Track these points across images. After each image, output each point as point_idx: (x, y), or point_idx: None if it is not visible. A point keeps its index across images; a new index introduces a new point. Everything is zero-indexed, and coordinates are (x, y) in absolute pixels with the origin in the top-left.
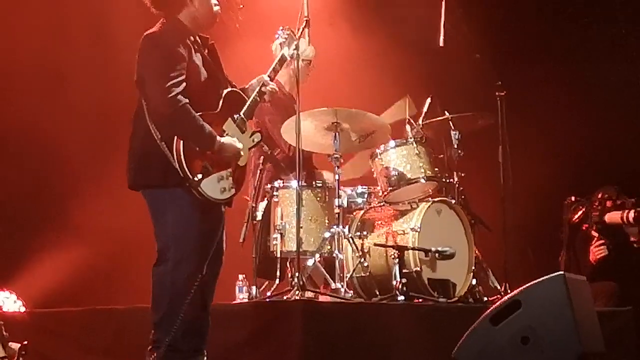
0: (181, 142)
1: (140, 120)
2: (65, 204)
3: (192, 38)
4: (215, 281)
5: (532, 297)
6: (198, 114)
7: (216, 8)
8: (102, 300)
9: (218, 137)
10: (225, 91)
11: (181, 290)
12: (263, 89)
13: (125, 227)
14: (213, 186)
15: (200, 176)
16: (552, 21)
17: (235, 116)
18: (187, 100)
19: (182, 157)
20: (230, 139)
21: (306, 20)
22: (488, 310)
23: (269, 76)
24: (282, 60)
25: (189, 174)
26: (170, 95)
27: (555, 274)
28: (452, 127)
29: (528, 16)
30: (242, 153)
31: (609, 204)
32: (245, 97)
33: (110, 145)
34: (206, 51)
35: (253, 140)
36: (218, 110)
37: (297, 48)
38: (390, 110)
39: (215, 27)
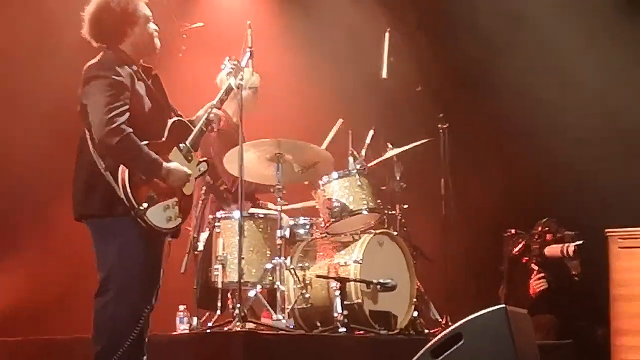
0: (126, 171)
1: (84, 151)
2: (10, 229)
3: (134, 67)
4: (149, 314)
5: (473, 330)
6: (143, 142)
7: (156, 36)
8: (43, 330)
9: (165, 163)
10: (170, 121)
11: (123, 321)
12: (210, 116)
13: (70, 256)
14: (159, 215)
15: (145, 205)
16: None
17: (181, 145)
18: (130, 130)
19: (128, 186)
20: (177, 166)
21: (250, 50)
22: (429, 343)
23: (215, 106)
24: (229, 90)
25: (134, 202)
26: (113, 126)
27: (497, 307)
28: (395, 161)
29: (471, 48)
30: (188, 180)
31: (549, 237)
32: (192, 127)
33: (60, 175)
34: (150, 81)
35: (199, 170)
36: (164, 139)
37: (242, 78)
38: (328, 138)
39: (159, 56)
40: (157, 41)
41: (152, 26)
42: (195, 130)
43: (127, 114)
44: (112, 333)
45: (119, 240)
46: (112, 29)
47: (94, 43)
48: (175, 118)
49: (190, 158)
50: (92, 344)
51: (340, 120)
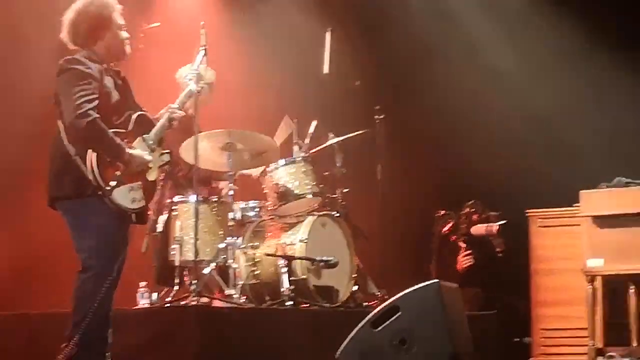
0: (94, 154)
1: (57, 140)
2: None
3: (105, 65)
4: (114, 288)
5: (409, 303)
6: (111, 130)
7: (127, 41)
8: (17, 305)
9: (127, 149)
10: (135, 114)
11: (97, 293)
12: (172, 115)
13: (44, 235)
14: (124, 196)
15: (113, 183)
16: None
17: (145, 136)
18: (97, 115)
19: (96, 167)
20: (140, 152)
21: (204, 48)
22: (369, 315)
23: (177, 107)
24: (189, 94)
25: (101, 182)
26: (82, 111)
27: (431, 281)
28: (336, 149)
29: (405, 46)
30: (150, 166)
31: (475, 217)
32: (154, 121)
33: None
34: (117, 78)
35: (163, 160)
36: (129, 129)
37: (198, 81)
38: (278, 132)
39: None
40: (127, 48)
41: (124, 34)
42: (159, 124)
43: (96, 102)
44: (89, 305)
45: (92, 222)
46: (87, 32)
47: (70, 45)
48: (139, 112)
49: (153, 148)
50: (72, 314)
51: (315, 121)
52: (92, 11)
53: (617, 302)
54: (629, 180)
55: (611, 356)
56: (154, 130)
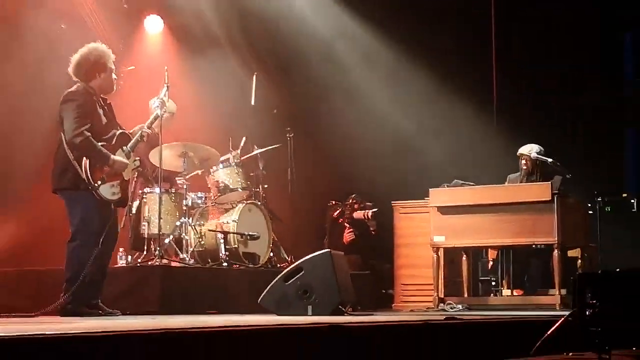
0: (87, 160)
1: (60, 147)
2: (9, 184)
3: (96, 97)
4: (111, 253)
5: (309, 265)
6: (100, 143)
7: (115, 81)
8: (26, 262)
9: (112, 156)
10: (117, 132)
11: (84, 258)
12: (143, 133)
13: (49, 211)
14: (107, 190)
15: (99, 183)
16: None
17: (124, 147)
18: (89, 134)
19: (88, 170)
20: (120, 158)
21: (167, 85)
22: (281, 273)
23: (147, 127)
24: (156, 118)
25: (92, 181)
26: (78, 131)
27: (324, 250)
28: (259, 157)
29: (309, 84)
30: (127, 168)
31: (356, 206)
32: (131, 136)
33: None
34: (105, 107)
35: (135, 164)
36: (113, 143)
37: (163, 108)
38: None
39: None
40: (115, 86)
41: (114, 75)
42: (133, 140)
43: (88, 125)
44: (76, 266)
45: (82, 207)
46: (87, 71)
47: (73, 78)
48: (120, 130)
49: (129, 156)
50: (65, 272)
51: (245, 138)
52: (93, 56)
53: (453, 266)
54: (463, 182)
55: (449, 303)
56: (130, 143)
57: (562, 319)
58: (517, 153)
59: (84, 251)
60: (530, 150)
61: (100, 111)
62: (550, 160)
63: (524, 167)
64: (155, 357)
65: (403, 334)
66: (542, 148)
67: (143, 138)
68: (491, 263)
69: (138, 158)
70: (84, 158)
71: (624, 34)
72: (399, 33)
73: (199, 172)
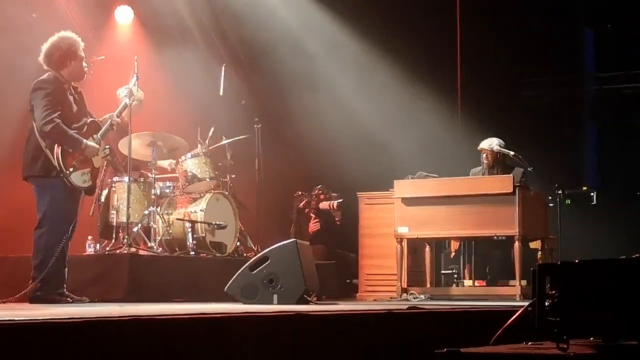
0: (60, 148)
1: (32, 134)
2: None
3: (66, 85)
4: (69, 242)
5: (275, 254)
6: (72, 131)
7: (86, 69)
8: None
9: (84, 140)
10: (88, 120)
11: (51, 245)
12: (113, 122)
13: (19, 199)
14: (78, 178)
15: (71, 170)
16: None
17: (95, 135)
18: (60, 121)
19: (60, 158)
20: (92, 143)
21: (136, 75)
22: (248, 262)
23: (116, 115)
24: (125, 107)
25: (63, 168)
26: (48, 119)
27: (290, 240)
28: (227, 147)
29: (278, 75)
30: (98, 153)
31: (322, 196)
32: (101, 125)
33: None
34: (76, 95)
35: (105, 152)
36: (84, 131)
37: (131, 97)
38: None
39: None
40: (85, 74)
41: (84, 64)
42: (103, 128)
43: (58, 112)
44: (44, 253)
45: (51, 194)
46: (58, 60)
47: (45, 67)
48: (91, 119)
49: (99, 144)
50: (32, 259)
51: (213, 128)
52: (64, 44)
53: (416, 256)
54: (427, 174)
55: (412, 293)
56: (100, 132)
57: (522, 309)
58: (478, 148)
59: (51, 238)
60: (490, 144)
61: (71, 99)
62: (512, 153)
63: (485, 161)
64: (124, 344)
65: (367, 323)
66: (502, 141)
67: (113, 127)
68: (453, 254)
69: (108, 146)
70: (56, 145)
71: (586, 30)
72: (366, 25)
73: (169, 163)
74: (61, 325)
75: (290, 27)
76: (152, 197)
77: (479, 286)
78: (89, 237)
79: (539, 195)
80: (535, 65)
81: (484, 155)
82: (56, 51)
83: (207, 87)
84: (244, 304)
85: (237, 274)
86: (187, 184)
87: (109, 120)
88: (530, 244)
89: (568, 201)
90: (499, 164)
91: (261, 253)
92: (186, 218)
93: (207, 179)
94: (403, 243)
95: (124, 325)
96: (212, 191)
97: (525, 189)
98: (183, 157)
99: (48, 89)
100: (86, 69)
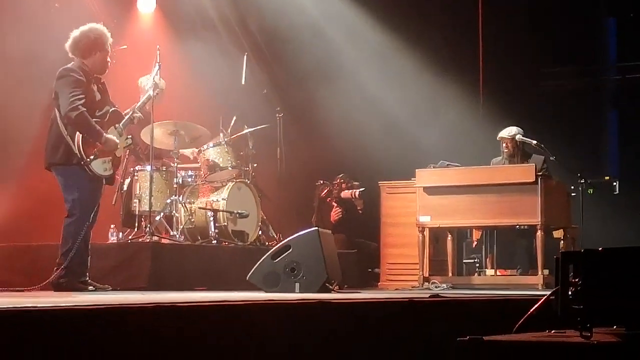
0: (81, 136)
1: (54, 122)
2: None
3: (91, 75)
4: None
5: (297, 243)
6: (94, 119)
7: (109, 63)
8: (21, 238)
9: (104, 134)
10: (111, 109)
11: (79, 233)
12: (135, 115)
13: (42, 187)
14: (99, 166)
15: (92, 157)
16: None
17: (117, 125)
18: (84, 109)
19: (81, 145)
20: (112, 136)
21: (159, 64)
22: (270, 251)
23: (139, 108)
24: (148, 98)
25: (85, 156)
26: (73, 105)
27: (312, 228)
28: (249, 136)
29: (300, 65)
30: (119, 147)
31: (344, 185)
32: (124, 115)
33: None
34: (99, 84)
35: (127, 142)
36: (106, 120)
37: (155, 90)
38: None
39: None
40: (107, 68)
41: (108, 58)
42: (126, 118)
43: (83, 100)
44: (73, 240)
45: (77, 183)
46: (84, 48)
47: (70, 54)
48: (114, 108)
49: (122, 133)
50: (60, 246)
51: (235, 117)
52: (93, 34)
53: (438, 246)
54: (448, 162)
55: (434, 282)
56: (122, 122)
57: (545, 297)
58: (498, 137)
59: (79, 226)
60: (509, 132)
61: (94, 87)
62: (534, 142)
63: (505, 150)
64: (147, 331)
65: (389, 312)
66: (521, 130)
67: (133, 120)
68: (475, 243)
69: (130, 136)
70: (77, 133)
71: (608, 19)
72: (387, 14)
73: (191, 152)
74: (84, 313)
75: (312, 16)
76: (175, 185)
77: (501, 275)
78: (112, 226)
79: (561, 184)
80: (556, 54)
81: (504, 145)
82: (84, 39)
83: (229, 76)
84: (266, 292)
85: (259, 263)
86: (209, 172)
87: (131, 112)
88: (553, 233)
89: (590, 190)
90: (518, 152)
91: (283, 242)
92: (208, 207)
93: (229, 168)
94: (425, 232)
95: (146, 312)
96: (234, 180)
97: (547, 178)
98: (205, 146)
99: (73, 76)
100: (109, 63)
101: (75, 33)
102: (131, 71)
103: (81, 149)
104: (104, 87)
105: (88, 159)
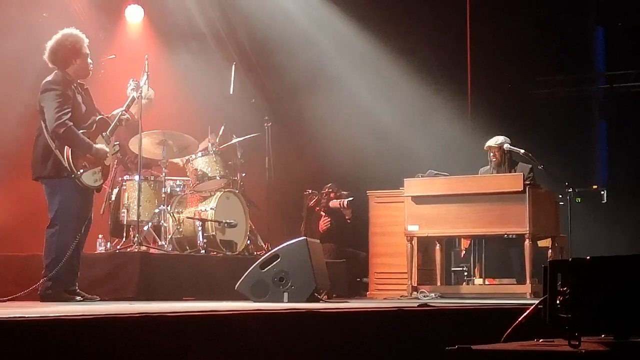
0: (70, 149)
1: (40, 135)
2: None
3: (74, 85)
4: (85, 240)
5: (286, 252)
6: (81, 131)
7: (90, 66)
8: (7, 248)
9: (94, 145)
10: (97, 118)
11: (63, 244)
12: (121, 117)
13: (29, 198)
14: (90, 178)
15: (81, 171)
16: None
17: (104, 133)
18: (71, 124)
19: (70, 159)
20: (101, 146)
21: (147, 74)
22: (258, 260)
23: (124, 110)
24: (132, 100)
25: (74, 169)
26: (61, 121)
27: (301, 238)
28: (237, 145)
29: (287, 75)
30: (108, 155)
31: (332, 195)
32: (110, 122)
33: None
34: (83, 93)
35: (115, 149)
36: (93, 130)
37: (138, 90)
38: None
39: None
40: (90, 71)
41: (89, 60)
42: (112, 124)
43: (69, 114)
44: (56, 252)
45: (62, 194)
46: (63, 58)
47: (50, 65)
48: (99, 116)
49: (109, 141)
50: (43, 259)
51: (223, 126)
52: (68, 42)
53: (427, 255)
54: (437, 172)
55: (422, 291)
56: (109, 129)
57: (533, 306)
58: (485, 147)
59: (63, 237)
60: (496, 141)
61: (79, 98)
62: (522, 151)
63: (493, 159)
64: (135, 341)
65: (377, 321)
66: (508, 139)
67: (122, 122)
68: (464, 252)
69: (117, 142)
70: (66, 147)
71: (596, 28)
72: (376, 23)
73: (181, 160)
74: (72, 323)
75: (301, 25)
76: (163, 195)
77: (489, 284)
78: (100, 236)
79: (549, 193)
80: (545, 63)
81: (492, 154)
82: (61, 49)
83: (217, 86)
84: (255, 302)
85: (247, 272)
86: (197, 182)
87: (117, 116)
88: (539, 242)
89: (578, 199)
90: (505, 161)
91: (271, 251)
92: (196, 216)
93: (218, 178)
94: (413, 241)
95: (134, 322)
96: (223, 189)
97: (535, 187)
98: (194, 156)
99: (58, 89)
100: (91, 66)
101: (51, 43)
102: (120, 81)
103: (71, 163)
104: (88, 95)
105: (78, 172)
